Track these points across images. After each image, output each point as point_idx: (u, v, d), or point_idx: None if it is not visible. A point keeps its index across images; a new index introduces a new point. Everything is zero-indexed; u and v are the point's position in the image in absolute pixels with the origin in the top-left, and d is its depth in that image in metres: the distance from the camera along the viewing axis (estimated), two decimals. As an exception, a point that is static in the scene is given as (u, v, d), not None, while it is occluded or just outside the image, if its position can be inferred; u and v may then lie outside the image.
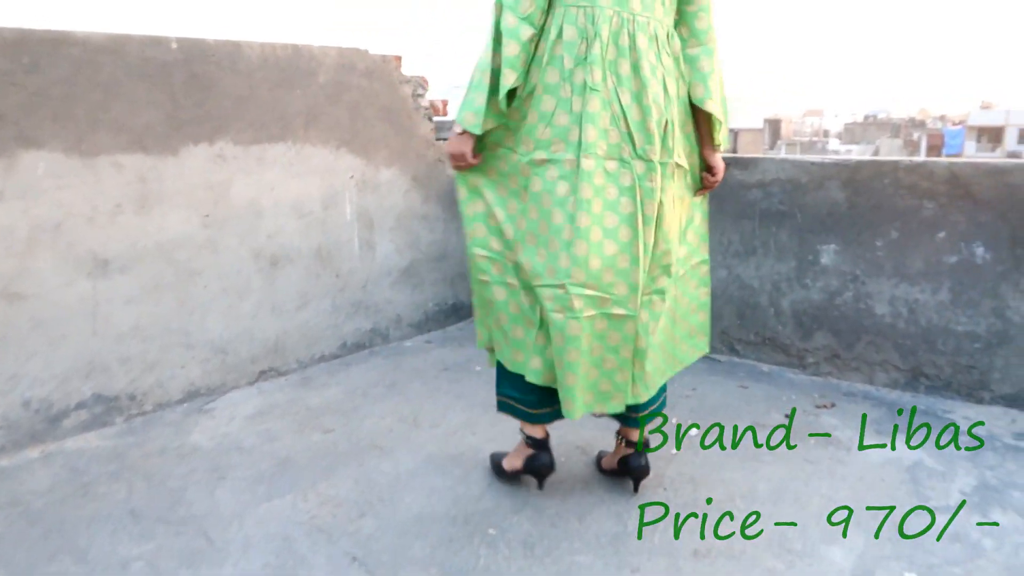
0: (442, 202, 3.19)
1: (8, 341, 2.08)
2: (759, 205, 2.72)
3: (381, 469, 2.00)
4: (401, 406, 2.42)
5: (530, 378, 1.70)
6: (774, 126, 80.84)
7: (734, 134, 45.24)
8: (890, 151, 60.12)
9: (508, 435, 2.15)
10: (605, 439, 2.10)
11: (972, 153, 48.08)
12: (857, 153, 63.02)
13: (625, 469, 1.87)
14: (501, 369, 1.81)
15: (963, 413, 2.34)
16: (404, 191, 3.04)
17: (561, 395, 1.66)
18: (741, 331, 2.84)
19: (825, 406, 2.43)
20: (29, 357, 2.12)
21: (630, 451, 1.86)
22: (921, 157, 2.41)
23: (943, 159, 2.36)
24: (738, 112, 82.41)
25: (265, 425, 2.29)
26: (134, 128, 2.26)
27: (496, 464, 1.94)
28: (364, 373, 2.74)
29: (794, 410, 2.39)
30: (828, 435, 2.21)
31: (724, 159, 2.62)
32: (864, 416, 2.33)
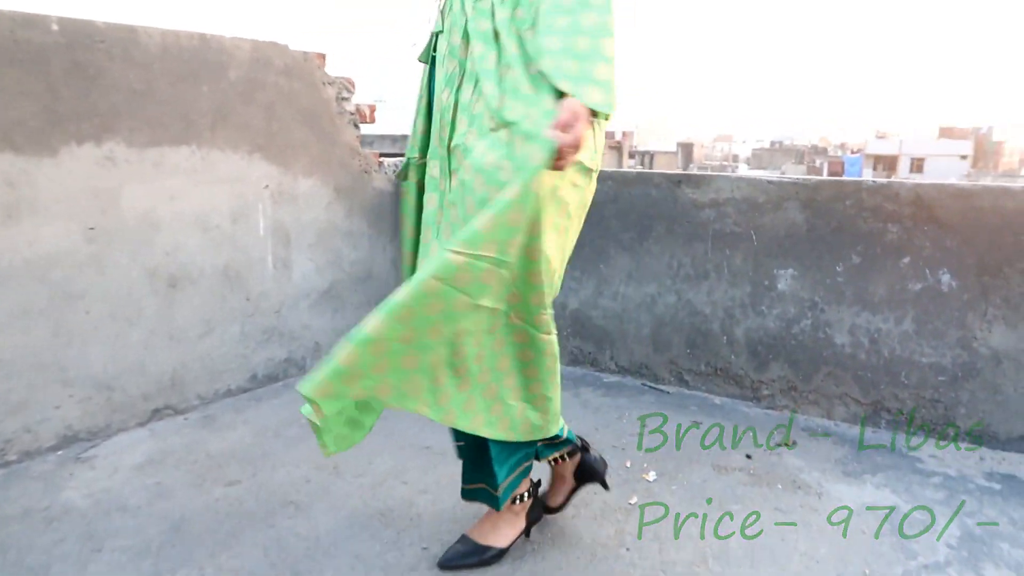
0: (367, 217, 2.89)
1: None
2: (712, 226, 2.54)
3: (296, 532, 1.69)
4: (319, 450, 2.11)
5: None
6: (687, 150, 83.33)
7: (649, 156, 46.26)
8: (794, 176, 62.97)
9: (445, 484, 1.87)
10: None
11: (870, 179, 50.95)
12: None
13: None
14: None
15: (928, 451, 2.20)
16: (326, 204, 2.73)
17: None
18: (691, 360, 2.65)
19: (786, 444, 2.25)
20: None
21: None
22: (883, 179, 2.27)
23: (909, 180, 2.23)
24: (651, 136, 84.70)
25: (156, 478, 1.93)
26: (1, 123, 1.89)
27: (487, 557, 1.60)
28: (277, 410, 2.40)
29: (756, 445, 2.20)
30: (800, 485, 2.02)
31: (675, 176, 2.42)
32: (831, 457, 2.17)
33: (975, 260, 2.15)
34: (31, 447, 2.01)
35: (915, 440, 2.27)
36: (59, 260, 2.03)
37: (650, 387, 2.72)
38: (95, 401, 2.15)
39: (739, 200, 2.49)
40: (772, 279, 2.46)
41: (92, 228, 2.10)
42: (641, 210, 2.67)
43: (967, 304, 2.18)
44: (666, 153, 50.08)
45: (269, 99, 2.48)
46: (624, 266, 2.74)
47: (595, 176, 1.43)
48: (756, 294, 2.50)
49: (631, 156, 42.70)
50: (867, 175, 50.95)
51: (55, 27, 1.98)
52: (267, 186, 2.52)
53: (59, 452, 2.06)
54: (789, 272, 2.43)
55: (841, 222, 2.32)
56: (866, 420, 2.36)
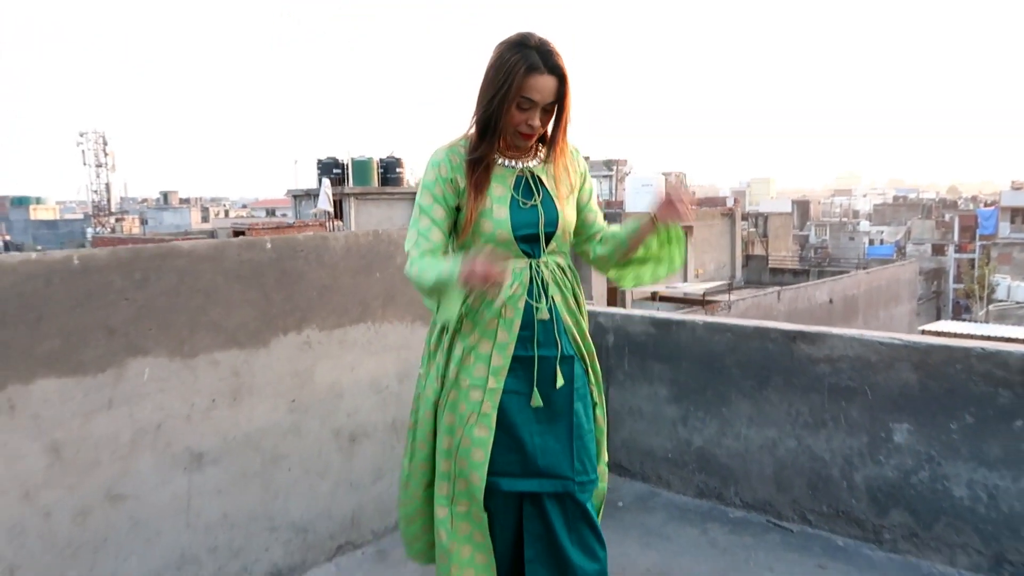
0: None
1: (109, 543, 2.16)
2: (827, 379, 2.75)
3: None
4: None
5: None
6: (803, 207, 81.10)
7: (763, 218, 45.29)
8: (922, 232, 59.92)
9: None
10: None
11: (1007, 234, 47.81)
12: (888, 235, 62.94)
13: None
14: None
15: (1054, 608, 2.29)
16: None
17: None
18: (813, 502, 2.83)
19: (909, 595, 2.39)
20: (127, 557, 2.19)
21: None
22: (993, 345, 2.43)
23: (1017, 348, 2.39)
24: (764, 195, 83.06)
25: (348, 618, 2.31)
26: (229, 326, 2.39)
27: None
28: (437, 548, 2.75)
29: (878, 601, 2.36)
30: (918, 637, 2.17)
31: (791, 332, 2.68)
32: (951, 611, 2.29)
33: (1088, 426, 2.27)
34: (247, 588, 2.45)
35: (1039, 597, 2.35)
36: (269, 431, 2.49)
37: (774, 524, 2.90)
38: (294, 543, 2.57)
39: (852, 358, 2.69)
40: (888, 431, 2.63)
41: (293, 401, 2.55)
42: (759, 362, 2.91)
43: (1083, 467, 2.28)
44: (781, 214, 48.80)
45: (428, 276, 2.92)
46: (745, 411, 2.97)
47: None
48: (873, 444, 2.67)
49: (744, 219, 41.97)
50: (1004, 229, 47.95)
51: (268, 246, 2.48)
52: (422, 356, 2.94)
53: (267, 591, 2.47)
54: (904, 426, 2.60)
55: (953, 384, 2.49)
56: (988, 570, 2.47)
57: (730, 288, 26.25)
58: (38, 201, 67.81)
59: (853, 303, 22.69)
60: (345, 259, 2.67)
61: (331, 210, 18.91)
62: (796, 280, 28.04)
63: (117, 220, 52.14)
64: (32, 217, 62.10)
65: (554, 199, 1.90)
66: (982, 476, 2.46)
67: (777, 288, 20.87)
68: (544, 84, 1.77)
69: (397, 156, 26.55)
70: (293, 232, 19.38)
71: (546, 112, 1.82)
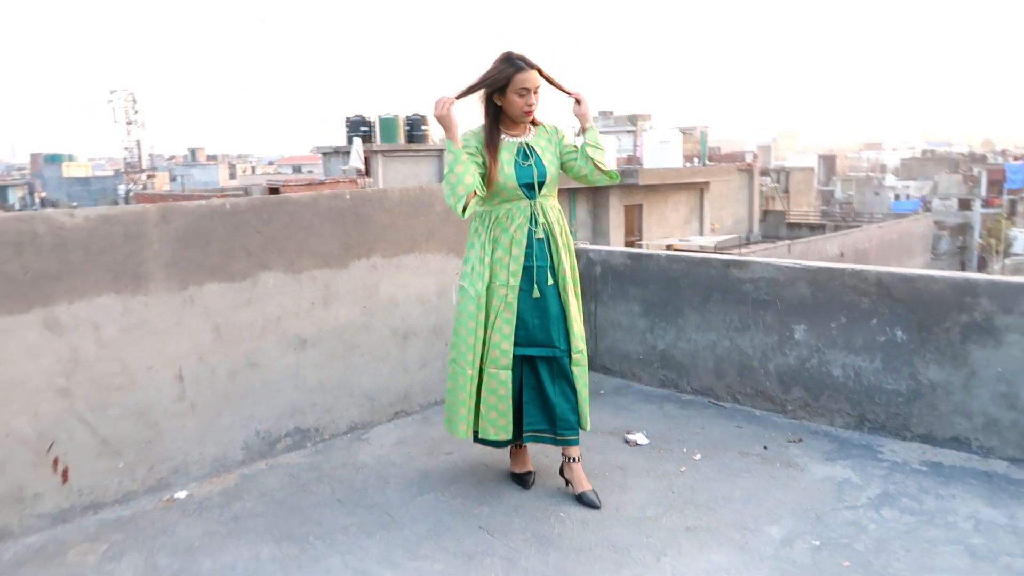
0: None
1: (247, 394, 3.25)
2: (751, 295, 3.76)
3: (486, 477, 3.09)
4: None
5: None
6: (828, 162, 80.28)
7: (785, 173, 45.51)
8: (948, 187, 59.56)
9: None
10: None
11: (1036, 187, 47.56)
12: (914, 190, 62.67)
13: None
14: None
15: (890, 447, 3.32)
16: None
17: None
18: (741, 385, 3.86)
19: (795, 441, 3.43)
20: (259, 404, 3.29)
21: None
22: (859, 266, 3.41)
23: (871, 268, 3.37)
24: (790, 149, 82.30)
25: (405, 450, 3.40)
26: (322, 252, 3.44)
27: None
28: (466, 415, 3.84)
29: (775, 442, 3.40)
30: (793, 465, 3.21)
31: (726, 260, 3.68)
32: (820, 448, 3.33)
33: (916, 322, 3.26)
34: (335, 432, 3.55)
35: (881, 439, 3.38)
36: (348, 326, 3.56)
37: (713, 403, 3.94)
38: (365, 407, 3.66)
39: (767, 279, 3.69)
40: (791, 331, 3.64)
41: (364, 307, 3.62)
42: (704, 283, 3.92)
43: (913, 351, 3.29)
44: (803, 169, 48.93)
45: (459, 221, 3.93)
46: (694, 320, 3.99)
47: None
48: (781, 341, 3.68)
49: (764, 174, 42.27)
50: (1030, 183, 47.67)
51: (348, 197, 3.52)
52: (458, 273, 3.99)
53: (348, 435, 3.57)
54: (801, 327, 3.60)
55: (832, 295, 3.48)
56: (854, 427, 3.49)
57: (747, 242, 27.00)
58: (70, 158, 69.36)
59: (864, 256, 23.40)
60: (400, 206, 3.71)
61: (362, 167, 19.92)
62: (812, 235, 28.69)
63: (148, 177, 53.39)
64: (65, 174, 63.68)
65: (543, 160, 2.89)
66: (851, 360, 3.47)
67: (788, 242, 21.65)
68: (529, 76, 2.77)
69: (422, 114, 27.38)
70: (325, 188, 20.44)
71: (535, 94, 2.81)
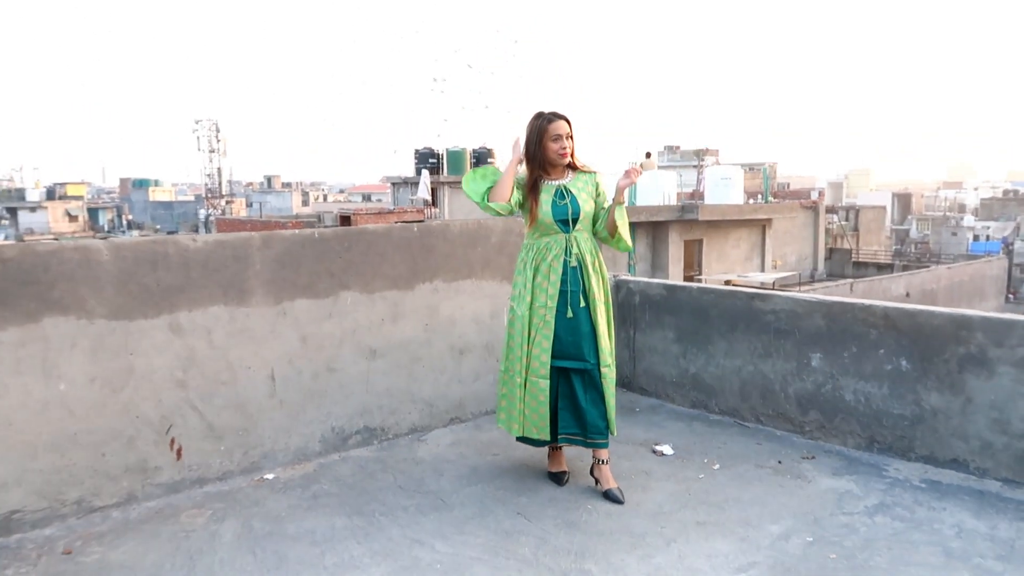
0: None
1: (326, 395, 3.81)
2: (772, 325, 4.15)
3: (526, 475, 3.55)
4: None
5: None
6: (903, 201, 78.30)
7: (854, 212, 44.84)
8: (1029, 228, 57.40)
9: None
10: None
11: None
12: (995, 231, 60.68)
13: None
14: None
15: (895, 466, 3.65)
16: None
17: None
18: (763, 407, 4.24)
19: (808, 457, 3.79)
20: (335, 404, 3.84)
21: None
22: (868, 301, 3.78)
23: (881, 303, 3.74)
24: (862, 187, 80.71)
25: (458, 450, 3.90)
26: (392, 276, 4.00)
27: None
28: (513, 424, 4.32)
29: (789, 457, 3.77)
30: (802, 477, 3.58)
31: (751, 293, 4.09)
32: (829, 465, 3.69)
33: (919, 353, 3.61)
34: (398, 432, 4.07)
35: (888, 459, 3.71)
36: (412, 341, 4.10)
37: (738, 423, 4.33)
38: (424, 412, 4.18)
39: (787, 310, 4.08)
40: (808, 359, 4.02)
41: (426, 324, 4.15)
42: (731, 313, 4.33)
43: (916, 379, 3.63)
44: (874, 207, 48.04)
45: (511, 251, 4.46)
46: (722, 347, 4.39)
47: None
48: (800, 367, 4.06)
49: (832, 212, 41.73)
50: (1117, 227, 45.73)
51: (416, 229, 4.08)
52: (509, 297, 4.49)
53: (409, 436, 4.09)
54: (818, 355, 3.98)
55: (845, 326, 3.85)
56: (864, 447, 3.83)
57: (811, 279, 26.82)
58: (156, 183, 73.20)
59: (931, 297, 23.00)
60: (459, 237, 4.25)
61: (429, 198, 20.76)
62: (880, 274, 28.27)
63: (227, 203, 55.90)
64: (151, 198, 67.15)
65: (578, 199, 3.38)
66: (862, 386, 3.82)
67: (851, 280, 21.50)
68: (559, 124, 3.29)
69: (489, 147, 28.26)
70: (394, 218, 21.36)
71: (568, 139, 3.32)
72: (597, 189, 3.46)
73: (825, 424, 3.98)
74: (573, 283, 3.35)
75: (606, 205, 3.47)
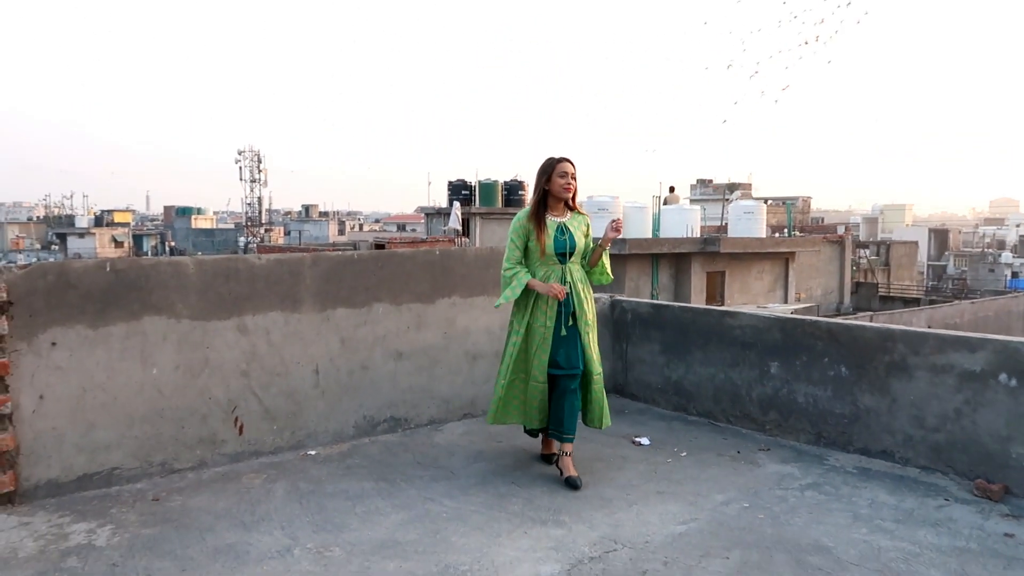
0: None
1: (360, 389, 4.59)
2: (739, 338, 4.85)
3: (525, 458, 4.29)
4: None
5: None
6: (940, 237, 77.68)
7: (886, 247, 44.94)
8: (1067, 266, 56.72)
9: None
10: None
11: None
12: (1030, 267, 60.05)
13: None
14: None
15: (836, 457, 4.31)
16: (544, 321, 5.41)
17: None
18: (732, 409, 4.92)
19: (764, 449, 4.47)
20: (365, 398, 4.63)
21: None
22: (814, 318, 4.47)
23: (823, 319, 4.42)
24: (898, 222, 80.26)
25: (469, 438, 4.65)
26: (417, 291, 4.79)
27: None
28: (517, 420, 5.06)
29: (748, 449, 4.45)
30: (754, 463, 4.26)
31: (722, 312, 4.81)
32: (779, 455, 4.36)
33: (855, 361, 4.29)
34: (419, 423, 4.83)
35: (831, 451, 4.37)
36: (432, 346, 4.88)
37: (710, 423, 5.01)
38: (441, 407, 4.94)
39: (751, 326, 4.78)
40: (768, 367, 4.71)
41: (445, 333, 4.93)
42: (706, 329, 5.04)
43: (853, 383, 4.30)
44: (906, 243, 47.98)
45: (519, 272, 5.23)
46: (699, 358, 5.10)
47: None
48: (761, 374, 4.75)
49: (862, 247, 41.92)
50: None
51: (438, 253, 4.88)
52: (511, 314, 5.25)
53: (428, 426, 4.86)
54: (776, 364, 4.67)
55: (798, 339, 4.55)
56: (813, 442, 4.50)
57: (836, 311, 27.15)
58: (199, 212, 75.65)
59: (954, 332, 23.15)
60: (475, 261, 5.05)
61: (460, 228, 21.69)
62: (906, 308, 28.48)
63: (266, 231, 57.61)
64: (193, 226, 69.40)
65: (574, 236, 4.15)
66: (811, 390, 4.50)
67: (871, 313, 21.85)
68: (566, 164, 4.06)
69: (520, 179, 29.20)
70: (427, 247, 22.35)
71: (573, 179, 4.08)
72: (588, 229, 4.22)
73: (782, 423, 4.66)
74: (567, 305, 4.09)
75: (591, 245, 4.22)
